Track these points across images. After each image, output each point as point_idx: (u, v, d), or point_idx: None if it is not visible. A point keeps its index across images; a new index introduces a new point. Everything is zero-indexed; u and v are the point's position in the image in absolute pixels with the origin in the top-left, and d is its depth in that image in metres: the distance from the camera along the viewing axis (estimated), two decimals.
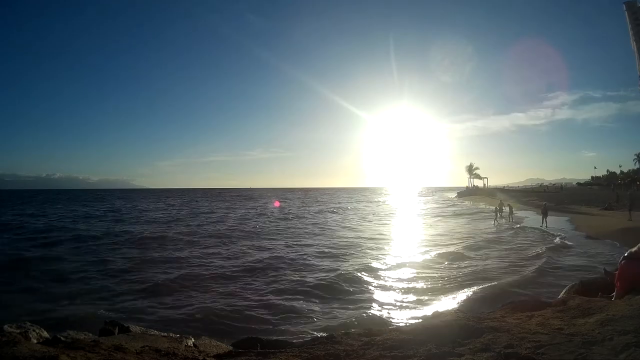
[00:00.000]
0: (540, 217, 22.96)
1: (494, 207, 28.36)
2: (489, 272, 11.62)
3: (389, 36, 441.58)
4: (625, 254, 4.62)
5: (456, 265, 12.74)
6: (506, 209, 27.08)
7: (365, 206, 54.43)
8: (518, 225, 23.95)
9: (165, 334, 4.99)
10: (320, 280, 10.93)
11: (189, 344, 4.50)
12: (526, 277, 10.80)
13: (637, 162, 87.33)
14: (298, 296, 9.57)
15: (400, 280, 11.07)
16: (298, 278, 11.30)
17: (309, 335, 6.45)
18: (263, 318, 8.02)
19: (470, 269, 12.08)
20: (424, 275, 11.50)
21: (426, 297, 9.28)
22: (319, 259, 14.51)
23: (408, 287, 10.21)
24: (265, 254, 15.38)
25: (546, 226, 21.75)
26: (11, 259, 14.53)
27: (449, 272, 11.81)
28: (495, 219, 25.59)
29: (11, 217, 35.62)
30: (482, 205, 46.14)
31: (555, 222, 23.96)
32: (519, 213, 30.37)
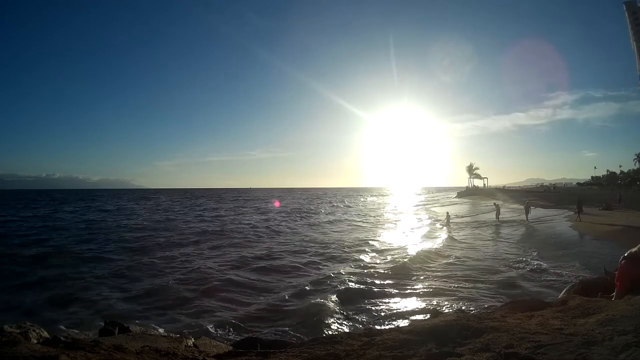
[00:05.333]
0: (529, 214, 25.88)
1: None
2: None
3: (389, 36, 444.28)
4: (625, 254, 4.60)
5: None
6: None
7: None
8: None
9: (165, 334, 5.00)
10: None
11: (189, 344, 4.49)
12: None
13: (637, 162, 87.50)
14: None
15: None
16: None
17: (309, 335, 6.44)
18: None
19: None
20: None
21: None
22: None
23: None
24: None
25: (527, 220, 24.95)
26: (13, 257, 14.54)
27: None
28: (498, 216, 28.02)
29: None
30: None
31: (555, 221, 23.97)
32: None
